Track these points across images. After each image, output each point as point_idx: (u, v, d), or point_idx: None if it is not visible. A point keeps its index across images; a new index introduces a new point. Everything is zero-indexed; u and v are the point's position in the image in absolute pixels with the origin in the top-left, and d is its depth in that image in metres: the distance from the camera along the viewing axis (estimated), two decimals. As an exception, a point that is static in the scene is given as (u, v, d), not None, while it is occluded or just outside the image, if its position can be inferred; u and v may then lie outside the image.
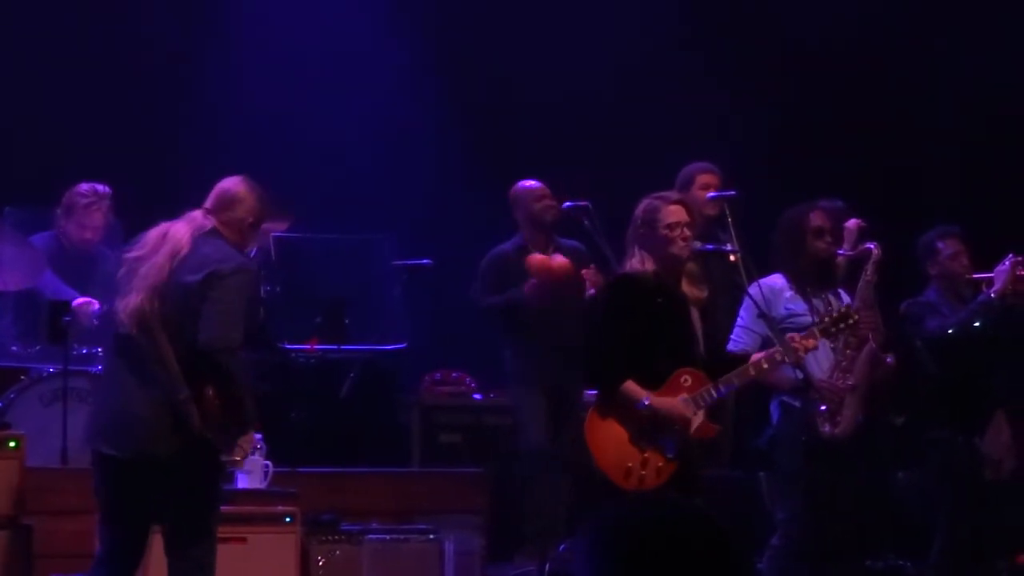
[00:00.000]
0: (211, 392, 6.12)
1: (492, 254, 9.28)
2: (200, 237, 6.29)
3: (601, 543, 4.19)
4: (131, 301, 6.18)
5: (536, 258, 8.96)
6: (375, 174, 11.29)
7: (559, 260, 8.92)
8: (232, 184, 6.45)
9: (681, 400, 6.77)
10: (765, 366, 6.95)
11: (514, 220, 9.32)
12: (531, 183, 9.27)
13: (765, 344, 7.22)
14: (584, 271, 8.78)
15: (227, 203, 6.40)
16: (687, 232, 6.87)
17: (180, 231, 6.29)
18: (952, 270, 8.23)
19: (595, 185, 9.48)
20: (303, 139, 11.12)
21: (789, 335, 7.07)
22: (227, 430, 6.24)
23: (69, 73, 10.54)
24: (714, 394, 6.83)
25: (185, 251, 6.23)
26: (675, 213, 6.88)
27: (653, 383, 6.78)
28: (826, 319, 7.22)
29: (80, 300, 8.57)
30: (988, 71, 10.40)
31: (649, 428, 6.75)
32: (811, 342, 7.06)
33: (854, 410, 7.45)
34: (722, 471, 8.38)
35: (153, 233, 6.31)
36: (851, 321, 7.24)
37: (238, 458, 6.40)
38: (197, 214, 6.37)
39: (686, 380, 6.81)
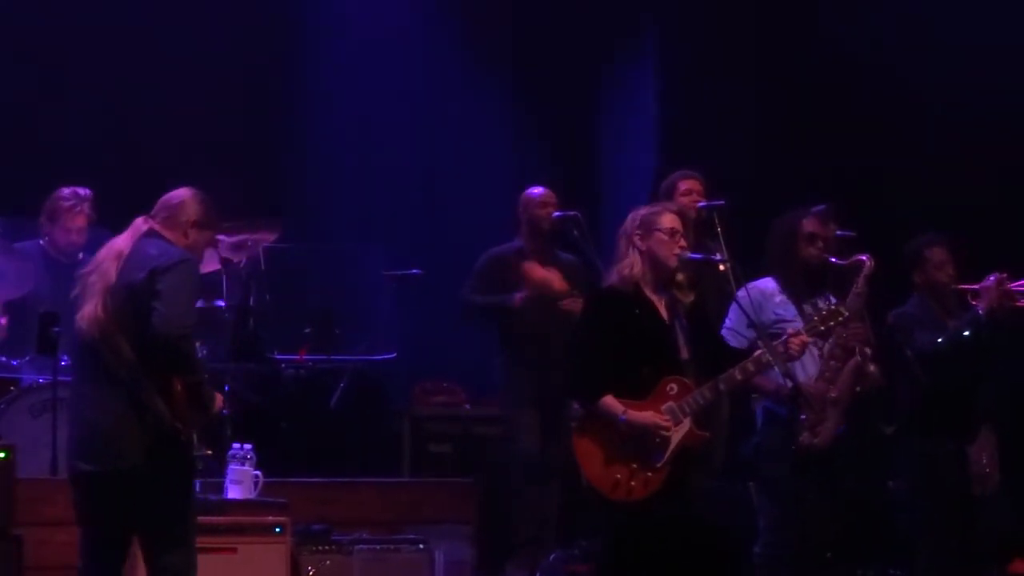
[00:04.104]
0: (178, 385, 6.21)
1: (489, 254, 9.30)
2: (141, 239, 6.41)
3: (602, 554, 4.22)
4: (87, 310, 6.31)
5: (538, 271, 8.96)
6: (365, 184, 11.30)
7: (559, 281, 8.90)
8: (175, 191, 6.58)
9: (665, 408, 6.77)
10: (751, 368, 6.96)
11: (516, 224, 9.33)
12: (537, 189, 9.30)
13: (751, 349, 7.23)
14: (565, 302, 8.80)
15: (168, 206, 6.52)
16: (683, 242, 6.93)
17: (122, 237, 6.45)
18: (938, 280, 8.24)
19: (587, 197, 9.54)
20: (297, 147, 11.11)
21: (787, 332, 7.11)
22: (195, 419, 6.31)
23: (59, 80, 10.53)
24: (700, 400, 6.83)
25: (127, 252, 6.35)
26: (673, 221, 6.95)
27: (639, 393, 6.79)
28: (815, 318, 7.23)
29: None
30: (977, 72, 10.44)
31: (633, 440, 6.76)
32: (802, 339, 7.07)
33: (835, 421, 7.45)
34: (715, 480, 8.38)
35: (102, 251, 6.47)
36: (840, 319, 7.25)
37: (208, 452, 6.41)
38: (139, 220, 6.52)
39: (672, 388, 6.82)
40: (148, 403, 6.18)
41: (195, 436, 6.39)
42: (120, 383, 6.24)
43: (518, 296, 8.98)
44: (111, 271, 6.31)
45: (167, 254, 6.30)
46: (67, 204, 8.83)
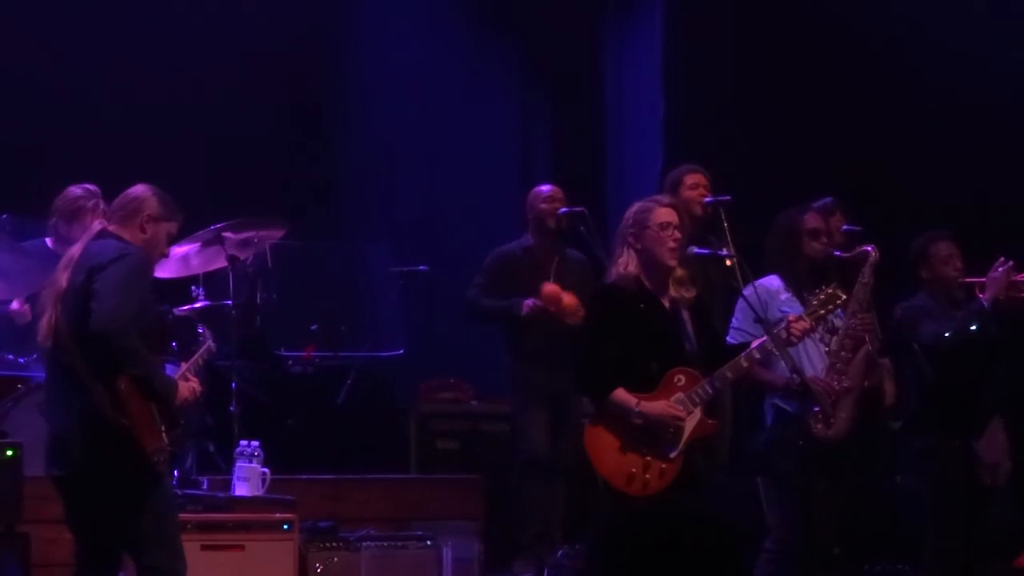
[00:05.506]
0: (123, 384, 6.18)
1: (497, 253, 9.30)
2: (91, 241, 6.45)
3: (603, 548, 4.21)
4: (43, 320, 6.37)
5: (551, 288, 8.94)
6: (371, 181, 11.30)
7: (570, 299, 8.88)
8: (130, 189, 6.59)
9: (675, 399, 6.78)
10: (757, 356, 6.96)
11: (524, 221, 9.33)
12: (545, 186, 9.31)
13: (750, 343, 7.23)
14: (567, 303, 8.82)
15: (122, 204, 6.55)
16: (677, 235, 6.90)
17: (77, 244, 6.49)
18: (944, 274, 8.23)
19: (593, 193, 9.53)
20: (302, 145, 11.12)
21: (786, 317, 7.11)
22: (146, 414, 6.23)
23: (61, 75, 10.53)
24: (709, 390, 6.84)
25: (77, 256, 6.38)
26: (666, 215, 6.92)
27: (647, 386, 6.79)
28: (814, 303, 7.21)
29: (16, 306, 8.63)
30: (976, 71, 10.43)
31: (646, 432, 6.76)
32: (803, 324, 7.06)
33: (848, 412, 7.45)
34: (721, 474, 8.38)
35: (60, 261, 6.50)
36: (839, 302, 7.24)
37: (168, 447, 6.32)
38: (95, 224, 6.59)
39: (679, 379, 6.82)
40: (97, 404, 6.18)
41: (163, 430, 6.26)
42: (76, 387, 6.24)
43: (527, 304, 8.97)
44: (62, 279, 6.35)
45: (105, 252, 6.32)
46: (89, 204, 8.76)
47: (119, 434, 6.18)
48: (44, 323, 6.35)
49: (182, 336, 8.78)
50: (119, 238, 6.43)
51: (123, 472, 6.24)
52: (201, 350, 7.01)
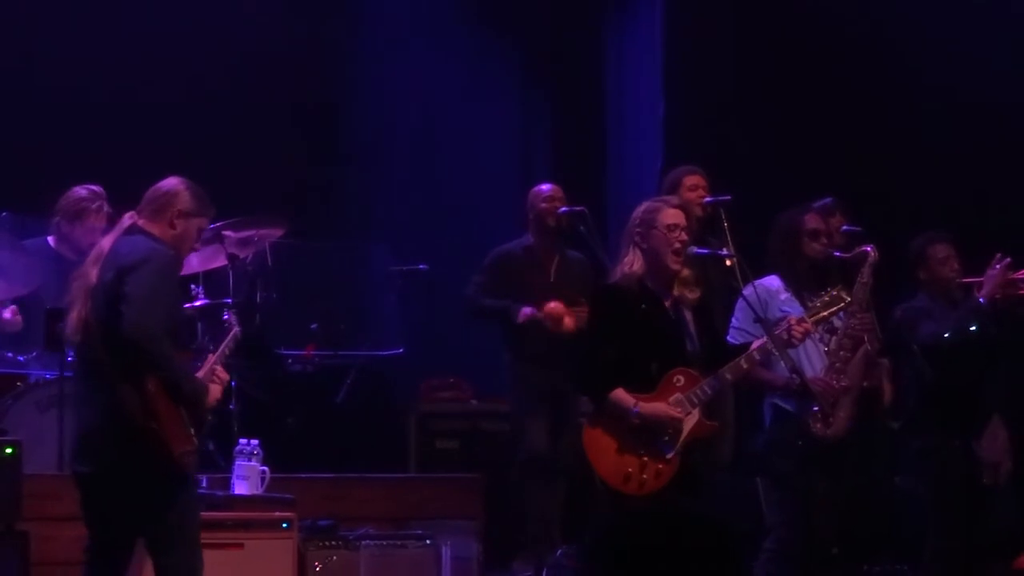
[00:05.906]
0: (151, 386, 6.14)
1: (498, 252, 9.30)
2: (121, 237, 6.38)
3: (600, 547, 4.20)
4: (72, 314, 6.31)
5: (556, 308, 8.94)
6: (370, 179, 11.30)
7: (569, 321, 8.89)
8: (162, 182, 6.50)
9: (673, 400, 6.78)
10: (757, 357, 6.97)
11: (524, 220, 9.33)
12: (545, 186, 9.32)
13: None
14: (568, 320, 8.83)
15: (153, 197, 6.46)
16: (683, 236, 6.90)
17: (108, 236, 6.42)
18: (942, 275, 8.24)
19: (589, 192, 9.52)
20: (302, 144, 11.11)
21: (787, 318, 7.11)
22: (172, 416, 6.20)
23: (57, 78, 10.53)
24: (708, 390, 6.84)
25: (106, 252, 6.32)
26: (674, 216, 6.92)
27: (647, 386, 6.79)
28: (816, 304, 7.21)
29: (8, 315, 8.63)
30: (976, 71, 10.42)
31: (644, 432, 6.76)
32: (805, 325, 7.06)
33: (848, 411, 7.46)
34: (723, 474, 8.39)
35: (91, 253, 6.44)
36: (843, 304, 7.25)
37: (190, 449, 6.30)
38: (125, 217, 6.47)
39: (679, 380, 6.82)
40: (123, 402, 6.15)
41: (192, 431, 6.25)
42: (104, 383, 6.23)
43: (524, 312, 8.98)
44: (92, 273, 6.29)
45: (134, 252, 6.25)
46: (93, 205, 8.76)
47: (146, 435, 6.17)
48: (73, 317, 6.29)
49: (183, 335, 8.77)
50: (149, 234, 6.36)
51: (150, 472, 6.22)
52: (228, 338, 6.96)
